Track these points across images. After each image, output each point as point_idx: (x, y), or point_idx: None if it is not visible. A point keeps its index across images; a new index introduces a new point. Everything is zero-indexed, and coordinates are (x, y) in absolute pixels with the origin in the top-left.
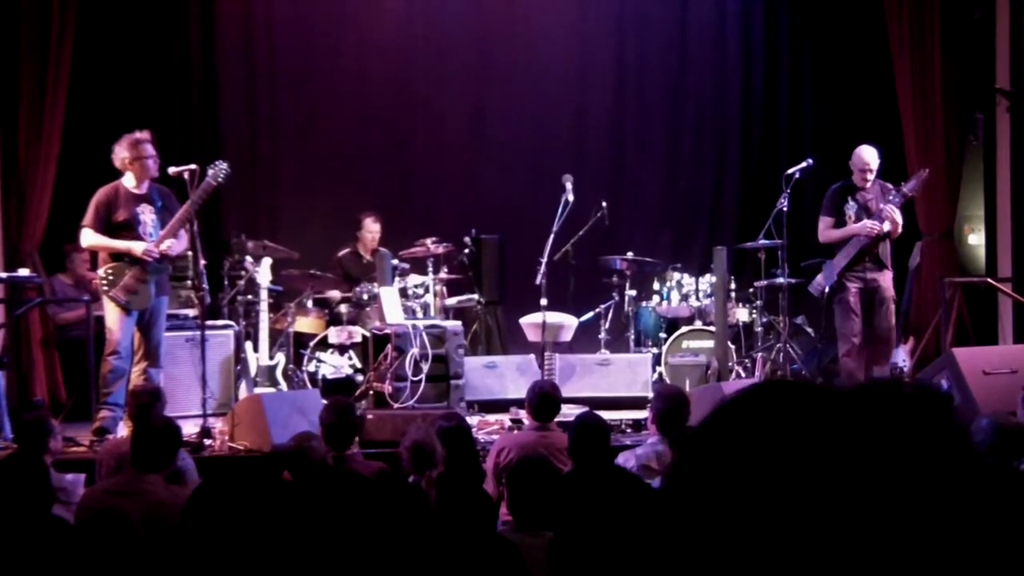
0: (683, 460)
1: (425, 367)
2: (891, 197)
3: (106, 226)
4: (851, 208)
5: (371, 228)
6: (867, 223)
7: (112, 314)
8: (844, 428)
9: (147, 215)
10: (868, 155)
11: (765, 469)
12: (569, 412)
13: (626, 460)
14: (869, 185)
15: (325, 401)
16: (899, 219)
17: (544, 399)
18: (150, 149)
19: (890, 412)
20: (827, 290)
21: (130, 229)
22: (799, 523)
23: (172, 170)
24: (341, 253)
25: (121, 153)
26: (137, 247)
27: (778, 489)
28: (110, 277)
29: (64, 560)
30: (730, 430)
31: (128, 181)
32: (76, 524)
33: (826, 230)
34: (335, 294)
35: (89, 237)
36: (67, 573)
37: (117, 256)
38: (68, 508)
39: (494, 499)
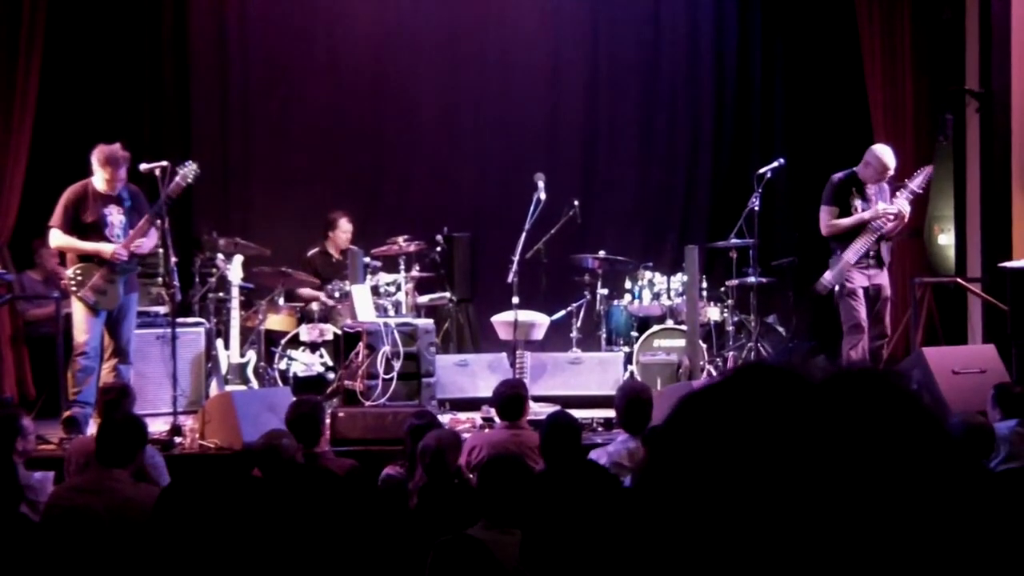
0: (655, 456)
1: (396, 365)
2: (899, 195)
3: (74, 226)
4: (858, 203)
5: (346, 228)
6: (878, 209)
7: (80, 314)
8: (820, 417)
9: (115, 216)
10: (890, 160)
11: (739, 461)
12: (540, 411)
13: (598, 458)
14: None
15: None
16: (907, 214)
17: (509, 399)
18: (121, 174)
19: (866, 400)
20: (836, 288)
21: (98, 230)
22: (776, 516)
23: (143, 167)
24: (310, 253)
25: (95, 159)
26: (105, 249)
27: (754, 482)
28: (78, 277)
29: (30, 558)
30: (702, 423)
31: (98, 181)
32: (44, 522)
33: (832, 220)
34: (311, 293)
35: (57, 238)
36: (34, 570)
37: (86, 256)
38: (36, 506)
39: None
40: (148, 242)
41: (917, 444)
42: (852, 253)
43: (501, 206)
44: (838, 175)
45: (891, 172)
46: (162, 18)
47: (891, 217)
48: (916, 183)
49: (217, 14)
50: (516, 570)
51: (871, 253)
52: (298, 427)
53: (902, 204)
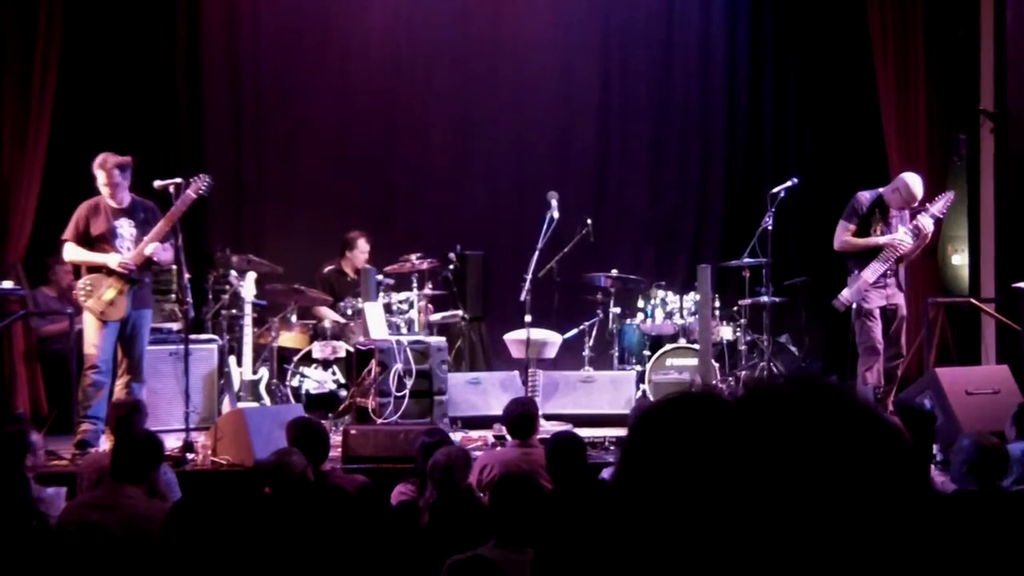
0: (620, 466)
1: (409, 383)
2: (920, 216)
3: (84, 238)
4: (879, 227)
5: (364, 248)
6: (895, 237)
7: (91, 327)
8: (733, 433)
9: (126, 228)
10: (919, 191)
11: (679, 473)
12: (552, 429)
13: (611, 476)
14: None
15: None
16: (929, 234)
17: (520, 417)
18: (117, 177)
19: (768, 412)
20: (854, 306)
21: (107, 242)
22: (705, 514)
23: (157, 184)
24: (326, 269)
25: (95, 172)
26: (112, 260)
27: (690, 488)
28: (88, 288)
29: (43, 573)
30: (647, 442)
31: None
32: (56, 537)
33: (848, 237)
34: (325, 311)
35: (69, 250)
36: None
37: (96, 268)
38: (47, 520)
39: None
40: (165, 253)
41: (837, 440)
42: (870, 272)
43: (514, 224)
44: (865, 194)
45: (917, 203)
46: (175, 39)
47: (906, 246)
48: (937, 208)
49: (230, 34)
50: None
51: (889, 273)
52: (302, 446)
53: (926, 222)
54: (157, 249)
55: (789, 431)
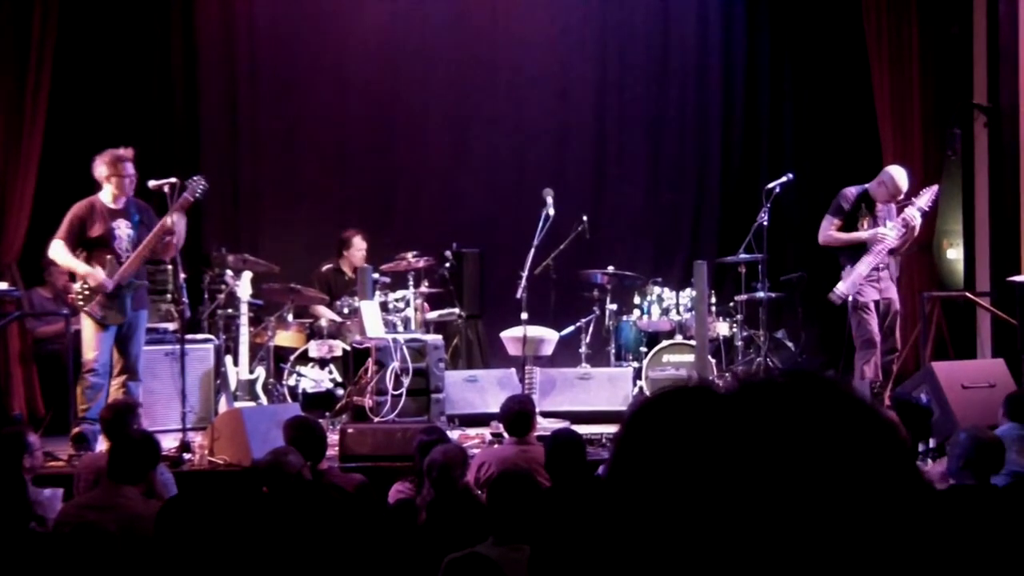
0: (614, 459)
1: (406, 381)
2: (907, 210)
3: (81, 241)
4: (866, 221)
5: (360, 246)
6: (879, 231)
7: (89, 330)
8: (725, 427)
9: (123, 230)
10: (904, 183)
11: (674, 467)
12: (549, 426)
13: (604, 470)
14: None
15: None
16: (917, 226)
17: (517, 415)
18: (130, 168)
19: (763, 406)
20: (850, 299)
21: (105, 244)
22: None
23: (152, 183)
24: (324, 268)
25: (100, 168)
26: (94, 276)
27: (684, 483)
28: (86, 292)
29: (40, 573)
30: (641, 435)
31: (105, 196)
32: (53, 539)
33: (833, 232)
34: (323, 309)
35: (57, 249)
36: None
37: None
38: (44, 523)
39: None
40: (180, 236)
41: (830, 435)
42: (864, 266)
43: (510, 222)
44: (851, 189)
45: (903, 195)
46: (171, 38)
47: (890, 240)
48: (923, 201)
49: (226, 32)
50: None
51: (881, 267)
52: (299, 445)
53: (913, 214)
54: (180, 229)
55: (784, 425)
